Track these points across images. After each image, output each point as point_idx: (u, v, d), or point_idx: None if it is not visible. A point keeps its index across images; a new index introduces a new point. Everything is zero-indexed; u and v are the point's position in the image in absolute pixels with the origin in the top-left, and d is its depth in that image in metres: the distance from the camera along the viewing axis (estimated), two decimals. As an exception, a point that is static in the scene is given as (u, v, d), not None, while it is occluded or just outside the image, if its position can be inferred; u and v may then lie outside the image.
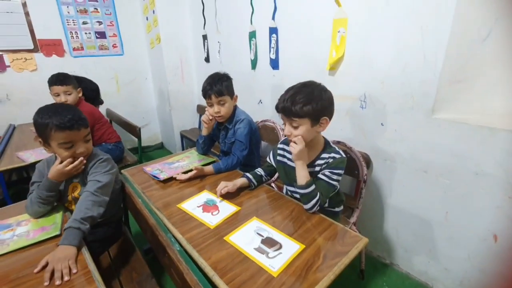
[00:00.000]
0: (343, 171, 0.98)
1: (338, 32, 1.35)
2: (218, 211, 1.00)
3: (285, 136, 1.00)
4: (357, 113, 1.40)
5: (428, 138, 1.15)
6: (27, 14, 2.25)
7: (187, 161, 1.43)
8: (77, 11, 2.45)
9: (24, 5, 2.23)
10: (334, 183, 0.98)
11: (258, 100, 2.07)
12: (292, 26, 1.62)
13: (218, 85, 1.33)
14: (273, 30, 1.74)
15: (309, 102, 0.88)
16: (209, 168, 1.32)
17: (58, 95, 1.76)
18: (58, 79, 1.77)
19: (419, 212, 1.27)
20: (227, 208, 1.01)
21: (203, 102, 1.41)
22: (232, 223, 0.93)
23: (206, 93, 1.35)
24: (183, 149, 2.90)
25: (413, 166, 1.23)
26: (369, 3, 1.21)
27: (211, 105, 1.37)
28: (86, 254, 0.83)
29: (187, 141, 2.77)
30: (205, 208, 1.02)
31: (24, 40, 2.28)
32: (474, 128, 1.02)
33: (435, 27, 1.04)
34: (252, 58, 1.98)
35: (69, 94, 1.77)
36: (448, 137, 1.10)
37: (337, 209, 1.09)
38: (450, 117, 1.10)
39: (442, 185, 1.16)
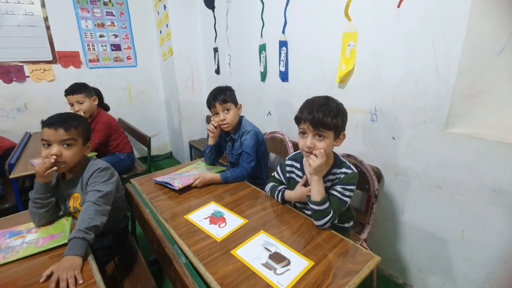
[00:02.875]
0: (355, 187, 0.96)
1: (348, 45, 1.36)
2: (225, 223, 0.98)
3: (305, 148, 0.94)
4: (368, 126, 1.38)
5: (442, 153, 1.12)
6: (48, 27, 2.37)
7: (196, 171, 1.43)
8: (95, 25, 2.57)
9: (46, 19, 2.35)
10: (346, 199, 0.95)
11: (267, 111, 2.08)
12: (301, 40, 1.64)
13: (222, 94, 1.36)
14: (283, 44, 1.76)
15: (337, 115, 0.90)
16: (216, 176, 1.31)
17: (72, 104, 1.82)
18: (70, 89, 1.83)
19: (434, 230, 1.22)
20: (234, 221, 1.00)
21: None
22: (239, 236, 0.91)
23: (210, 103, 1.38)
24: (191, 159, 2.92)
25: (426, 181, 1.20)
26: (379, 17, 1.22)
27: (216, 114, 1.38)
28: (92, 264, 0.82)
29: (195, 151, 2.79)
30: (212, 220, 1.01)
31: (44, 52, 2.39)
32: (491, 143, 0.99)
33: (447, 41, 1.03)
34: (262, 70, 2.01)
35: (81, 103, 1.82)
36: (463, 152, 1.06)
37: (347, 225, 1.06)
38: (465, 132, 1.07)
39: (458, 202, 1.11)
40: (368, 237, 1.29)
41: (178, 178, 1.31)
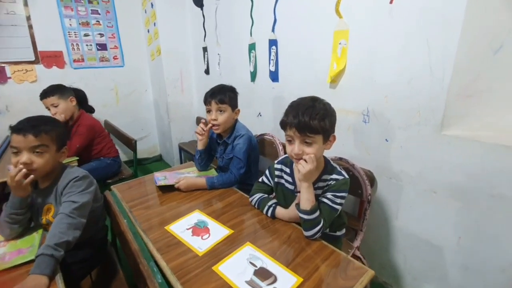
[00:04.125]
0: (347, 194, 0.91)
1: (339, 44, 1.30)
2: (209, 234, 0.92)
3: (293, 155, 0.88)
4: (360, 128, 1.32)
5: (437, 156, 1.07)
6: (30, 26, 2.26)
7: (197, 174, 1.39)
8: (79, 23, 2.47)
9: (28, 18, 2.24)
10: (337, 207, 0.89)
11: (257, 112, 2.02)
12: (292, 38, 1.58)
13: (221, 94, 1.29)
14: (272, 42, 1.70)
15: (325, 117, 0.83)
16: (201, 181, 1.24)
17: (49, 108, 1.73)
18: (43, 92, 1.75)
19: (428, 237, 1.17)
20: (219, 231, 0.93)
21: (203, 114, 1.36)
22: (223, 249, 0.85)
23: (206, 98, 1.31)
24: (181, 162, 2.83)
25: (421, 186, 1.15)
26: (371, 14, 1.16)
27: (209, 111, 1.31)
28: (60, 284, 0.75)
29: (185, 153, 2.71)
30: (195, 230, 0.94)
31: (26, 52, 2.28)
32: (488, 146, 0.94)
33: (442, 39, 0.98)
34: (252, 70, 1.94)
35: (56, 106, 1.73)
36: (459, 155, 1.01)
37: (338, 233, 1.00)
38: (460, 133, 1.02)
39: (454, 207, 1.07)
40: (361, 244, 1.24)
41: (170, 179, 1.26)
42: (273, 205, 1.01)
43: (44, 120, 0.98)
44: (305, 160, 0.84)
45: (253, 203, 1.08)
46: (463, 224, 1.06)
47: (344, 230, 1.03)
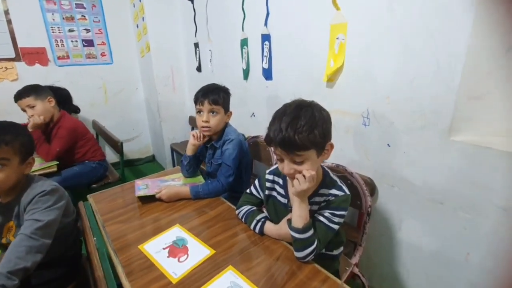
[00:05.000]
0: (346, 212, 0.79)
1: (337, 38, 1.19)
2: (187, 255, 0.81)
3: (286, 174, 0.78)
4: (359, 131, 1.21)
5: (444, 164, 0.97)
6: (9, 21, 2.13)
7: (183, 181, 1.27)
8: (63, 18, 2.33)
9: (7, 12, 2.11)
10: (335, 226, 0.78)
11: (250, 113, 1.90)
12: (285, 33, 1.46)
13: (215, 94, 1.17)
14: (265, 37, 1.58)
15: (313, 127, 0.68)
16: (185, 190, 1.13)
17: (25, 110, 1.61)
18: (17, 94, 1.63)
19: (433, 250, 1.07)
20: (199, 252, 0.82)
21: (195, 113, 1.24)
22: (201, 274, 0.74)
23: (198, 98, 1.18)
24: (173, 163, 2.72)
25: (426, 195, 1.04)
26: (371, 6, 1.04)
27: (199, 112, 1.19)
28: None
29: (177, 155, 2.60)
30: (171, 251, 0.83)
31: (5, 49, 2.15)
32: (500, 153, 0.84)
33: (450, 34, 0.87)
34: (244, 67, 1.82)
35: (32, 107, 1.61)
36: (468, 163, 0.91)
37: (335, 252, 0.89)
38: (470, 139, 0.91)
39: (462, 220, 0.96)
40: (361, 255, 1.14)
41: (152, 188, 1.16)
42: (262, 219, 0.90)
43: (3, 128, 0.85)
44: (303, 176, 0.71)
45: (239, 216, 0.97)
46: (471, 239, 0.96)
47: (342, 249, 0.92)
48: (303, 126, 0.68)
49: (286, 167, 0.73)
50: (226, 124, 1.28)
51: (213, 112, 1.17)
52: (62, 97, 2.15)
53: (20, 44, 2.20)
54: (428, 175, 1.02)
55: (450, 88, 0.90)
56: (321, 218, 0.79)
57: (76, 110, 2.28)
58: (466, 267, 0.99)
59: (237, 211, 0.99)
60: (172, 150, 2.64)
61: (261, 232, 0.88)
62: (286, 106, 0.75)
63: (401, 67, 1.01)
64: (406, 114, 1.03)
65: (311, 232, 0.76)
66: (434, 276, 1.10)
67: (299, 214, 0.76)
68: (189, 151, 1.26)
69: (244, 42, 1.76)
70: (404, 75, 1.00)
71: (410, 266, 1.18)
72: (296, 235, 0.76)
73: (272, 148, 0.78)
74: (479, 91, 0.92)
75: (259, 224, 0.89)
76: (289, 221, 0.80)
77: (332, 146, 0.77)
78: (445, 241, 1.03)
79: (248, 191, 1.01)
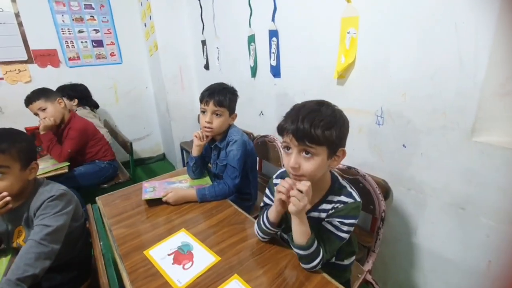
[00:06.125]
0: (356, 220, 0.74)
1: (348, 33, 1.12)
2: (192, 262, 0.79)
3: (283, 166, 0.75)
4: (373, 130, 1.15)
5: (467, 166, 0.89)
6: (20, 24, 2.17)
7: (190, 182, 1.26)
8: (73, 19, 2.36)
9: (17, 15, 2.15)
10: (344, 235, 0.73)
11: (259, 111, 1.86)
12: (294, 28, 1.40)
13: (221, 94, 1.14)
14: (273, 33, 1.53)
15: (332, 125, 0.66)
16: (191, 193, 1.12)
17: (37, 114, 1.64)
18: (26, 99, 1.65)
19: (453, 258, 1.01)
20: (204, 259, 0.80)
21: None
22: (206, 283, 0.72)
23: (204, 97, 1.15)
24: (183, 162, 2.73)
25: (446, 200, 0.97)
26: (386, -4, 0.97)
27: (203, 112, 1.17)
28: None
29: (187, 153, 2.60)
30: (176, 257, 0.81)
31: (17, 51, 2.20)
32: (531, 155, 0.76)
33: (474, 24, 0.79)
34: (252, 65, 1.78)
35: (43, 110, 1.63)
36: (493, 166, 0.83)
37: (346, 262, 0.84)
38: (496, 140, 0.84)
39: (485, 226, 0.89)
40: (376, 260, 1.09)
41: (159, 191, 1.15)
42: (266, 211, 0.83)
43: (3, 135, 0.85)
44: (300, 191, 0.66)
45: (256, 231, 0.87)
46: (494, 246, 0.89)
47: (353, 258, 0.87)
48: (321, 121, 0.65)
49: (293, 159, 0.68)
50: (230, 125, 1.25)
51: (217, 114, 1.14)
52: (82, 93, 2.21)
53: (32, 47, 2.25)
54: (448, 178, 0.95)
55: (474, 84, 0.82)
56: (329, 227, 0.74)
57: (96, 105, 2.33)
58: (488, 276, 0.92)
59: (255, 231, 0.88)
60: (182, 148, 2.64)
61: (270, 223, 0.80)
62: (307, 102, 0.72)
63: (420, 61, 0.93)
64: (424, 112, 0.96)
65: (315, 245, 0.71)
66: (453, 285, 1.03)
67: (300, 231, 0.71)
68: (195, 152, 1.24)
69: (251, 39, 1.71)
70: (422, 71, 0.93)
71: (427, 273, 1.12)
72: (301, 252, 0.72)
73: (281, 143, 0.74)
74: (506, 87, 0.84)
75: (265, 216, 0.82)
76: (290, 236, 0.75)
77: (344, 153, 0.72)
78: (465, 248, 0.96)
79: (261, 204, 0.94)
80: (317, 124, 0.65)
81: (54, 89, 1.86)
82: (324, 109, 0.68)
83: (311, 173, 0.68)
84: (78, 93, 2.18)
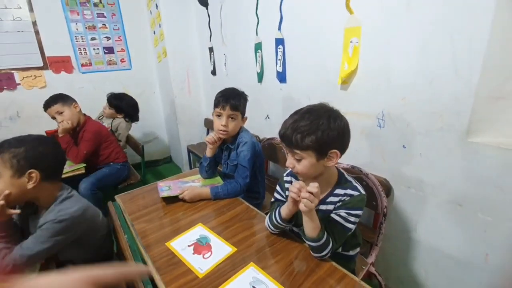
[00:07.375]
0: (362, 212, 0.81)
1: (351, 42, 1.21)
2: (211, 252, 0.86)
3: (287, 167, 0.84)
4: (374, 133, 1.23)
5: (463, 166, 0.96)
6: (37, 32, 2.27)
7: (202, 182, 1.33)
8: (86, 27, 2.47)
9: (34, 23, 2.26)
10: (351, 226, 0.81)
11: (265, 115, 1.94)
12: (299, 37, 1.49)
13: (236, 100, 1.22)
14: (279, 41, 1.62)
15: (312, 132, 0.72)
16: (206, 191, 1.19)
17: (54, 117, 1.73)
18: (45, 103, 1.75)
19: (452, 252, 1.07)
20: (221, 249, 0.87)
21: (211, 115, 1.30)
22: (225, 270, 0.79)
23: (219, 102, 1.21)
24: (190, 165, 2.81)
25: (444, 197, 1.04)
26: (386, 8, 1.06)
27: (219, 116, 1.24)
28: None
29: (194, 156, 2.68)
30: (196, 248, 0.89)
31: (33, 58, 2.30)
32: (522, 154, 0.83)
33: (468, 34, 0.87)
34: (258, 71, 1.86)
35: (61, 113, 1.72)
36: (488, 165, 0.91)
37: (351, 253, 0.91)
38: (489, 141, 0.91)
39: (482, 222, 0.96)
40: (378, 255, 1.15)
41: (175, 189, 1.22)
42: (278, 208, 0.88)
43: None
44: (311, 194, 0.72)
45: (266, 225, 0.94)
46: (491, 241, 0.95)
47: (358, 249, 0.94)
48: (302, 128, 0.73)
49: (288, 161, 0.80)
50: (241, 127, 1.32)
51: (232, 118, 1.22)
52: (133, 109, 2.30)
53: (47, 54, 2.35)
54: (446, 177, 1.02)
55: (469, 88, 0.90)
56: (337, 218, 0.81)
57: (137, 119, 2.39)
58: (486, 269, 0.98)
59: (266, 224, 0.95)
60: (189, 151, 2.72)
61: (282, 219, 0.86)
62: (300, 109, 0.80)
63: (418, 68, 1.01)
64: (422, 115, 1.04)
65: (325, 237, 0.78)
66: (454, 279, 1.09)
67: (311, 227, 0.78)
68: (209, 153, 1.31)
69: (258, 46, 1.80)
70: (421, 76, 1.01)
71: (428, 267, 1.18)
72: (313, 244, 0.79)
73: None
74: (500, 91, 0.91)
75: (277, 212, 0.88)
76: (302, 230, 0.82)
77: (337, 155, 0.76)
78: (464, 243, 1.03)
79: (272, 199, 1.02)
80: (298, 131, 0.73)
81: (68, 94, 1.95)
82: (308, 115, 0.74)
83: (304, 173, 0.79)
84: (129, 109, 2.27)
